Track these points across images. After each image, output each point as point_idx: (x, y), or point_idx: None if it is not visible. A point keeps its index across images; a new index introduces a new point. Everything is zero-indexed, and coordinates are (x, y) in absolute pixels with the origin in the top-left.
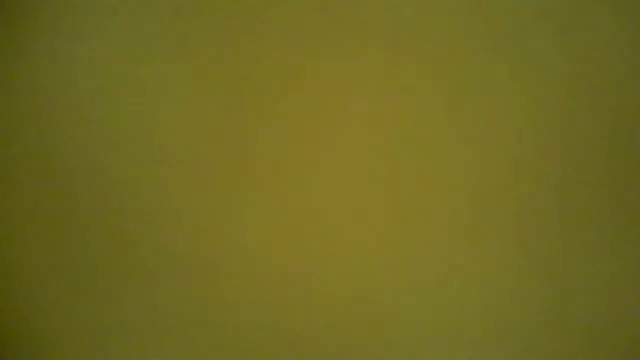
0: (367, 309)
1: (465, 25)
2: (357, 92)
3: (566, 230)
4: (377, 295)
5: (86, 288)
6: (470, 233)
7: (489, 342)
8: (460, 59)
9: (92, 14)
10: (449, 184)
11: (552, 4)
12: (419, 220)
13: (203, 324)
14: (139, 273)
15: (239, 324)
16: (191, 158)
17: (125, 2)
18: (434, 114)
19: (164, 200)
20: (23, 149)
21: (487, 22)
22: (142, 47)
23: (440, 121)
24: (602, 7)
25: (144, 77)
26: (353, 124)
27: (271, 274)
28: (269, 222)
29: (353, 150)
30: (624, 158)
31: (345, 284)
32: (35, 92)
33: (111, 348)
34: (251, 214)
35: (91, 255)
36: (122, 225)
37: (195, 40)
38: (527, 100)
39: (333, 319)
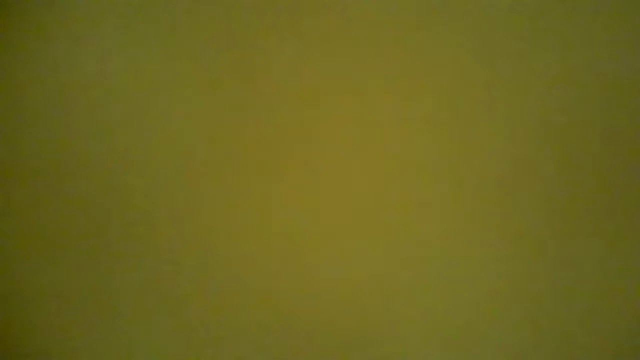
0: (366, 306)
1: (464, 26)
2: (358, 94)
3: (558, 232)
4: (375, 293)
5: (89, 286)
6: (466, 233)
7: (483, 339)
8: (458, 61)
9: (96, 15)
10: (446, 184)
11: (551, 6)
12: (417, 219)
13: (215, 316)
14: (150, 268)
15: (244, 318)
16: (195, 158)
17: (129, 5)
18: (431, 116)
19: (173, 194)
20: (26, 148)
21: (485, 24)
22: (146, 47)
23: (437, 124)
24: (601, 9)
25: (149, 77)
26: (354, 125)
27: (273, 272)
28: (278, 218)
29: (352, 150)
30: (616, 159)
31: (345, 284)
32: (38, 94)
33: (114, 347)
34: (262, 210)
35: (98, 250)
36: (127, 223)
37: (198, 40)
38: (523, 102)
39: (336, 311)
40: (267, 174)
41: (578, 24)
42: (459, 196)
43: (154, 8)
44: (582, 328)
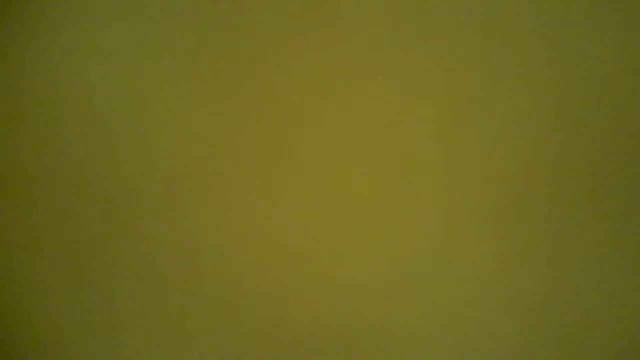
0: (367, 306)
1: (464, 26)
2: (358, 94)
3: (559, 231)
4: (376, 293)
5: (89, 284)
6: (465, 233)
7: (482, 340)
8: (457, 61)
9: (94, 17)
10: (446, 186)
11: (552, 7)
12: (418, 221)
13: (208, 318)
14: (144, 269)
15: (244, 319)
16: (199, 157)
17: (129, 6)
18: (431, 115)
19: (168, 197)
20: (22, 150)
21: (484, 25)
22: (144, 48)
23: (439, 125)
24: (601, 10)
25: (145, 78)
26: (353, 126)
27: (275, 271)
28: (273, 221)
29: (352, 149)
30: (622, 160)
31: (346, 283)
32: (42, 91)
33: (114, 344)
34: (254, 210)
35: (94, 252)
36: (127, 222)
37: (198, 40)
38: (522, 102)
39: (333, 314)
40: (265, 175)
41: (580, 20)
42: (461, 198)
43: (154, 9)
44: (587, 331)
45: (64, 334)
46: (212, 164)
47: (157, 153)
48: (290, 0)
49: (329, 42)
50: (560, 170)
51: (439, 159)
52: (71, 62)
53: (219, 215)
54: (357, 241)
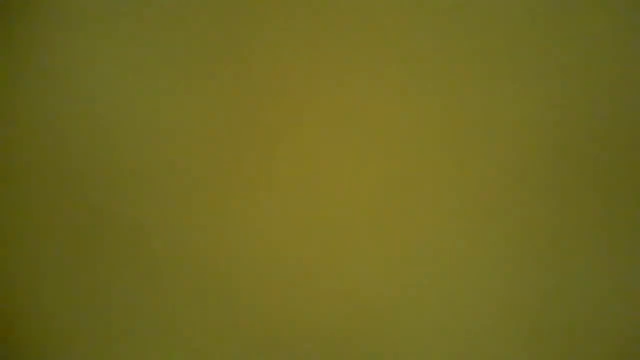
0: (366, 307)
1: (463, 28)
2: (356, 94)
3: (558, 233)
4: (375, 294)
5: (89, 287)
6: (466, 234)
7: (482, 340)
8: (457, 62)
9: (95, 13)
10: (445, 186)
11: (549, 7)
12: (416, 222)
13: (207, 322)
14: (143, 272)
15: (242, 323)
16: (197, 160)
17: (129, 4)
18: (432, 117)
19: (167, 198)
20: (29, 148)
21: (483, 25)
22: (147, 47)
23: (438, 124)
24: (599, 10)
25: (143, 76)
26: (352, 125)
27: (273, 273)
28: (272, 223)
29: (351, 150)
30: (618, 161)
31: (344, 284)
32: (40, 93)
33: (114, 348)
34: (255, 214)
35: (94, 255)
36: (126, 223)
37: (197, 41)
38: (524, 103)
39: (333, 318)
40: (265, 176)
41: (577, 26)
42: (462, 201)
43: (154, 9)
44: (588, 334)
45: (63, 336)
46: (213, 164)
47: (158, 154)
48: None
49: (328, 41)
50: (562, 173)
51: (439, 161)
52: (71, 63)
53: (218, 216)
54: (357, 242)
